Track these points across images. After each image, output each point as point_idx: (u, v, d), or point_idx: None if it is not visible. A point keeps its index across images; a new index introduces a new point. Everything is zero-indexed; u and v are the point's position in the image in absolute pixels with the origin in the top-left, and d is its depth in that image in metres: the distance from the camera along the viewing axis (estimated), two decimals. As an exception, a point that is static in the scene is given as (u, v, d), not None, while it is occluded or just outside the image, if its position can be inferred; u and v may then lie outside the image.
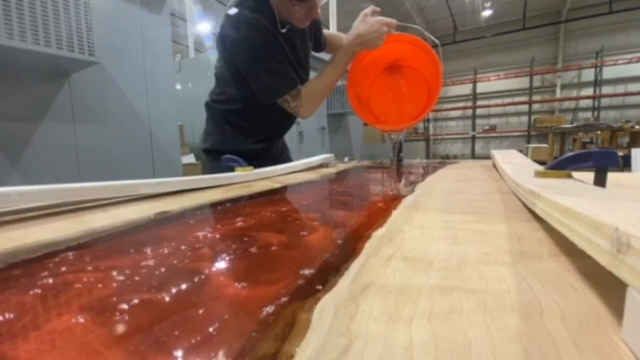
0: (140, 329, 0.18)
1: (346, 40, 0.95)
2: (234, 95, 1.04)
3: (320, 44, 1.17)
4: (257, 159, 0.95)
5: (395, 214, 0.44)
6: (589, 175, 0.51)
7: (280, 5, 0.91)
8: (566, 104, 9.71)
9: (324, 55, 1.24)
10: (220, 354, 0.16)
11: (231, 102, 1.05)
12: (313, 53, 1.18)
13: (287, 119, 1.12)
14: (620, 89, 8.88)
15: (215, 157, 1.10)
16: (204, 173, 1.02)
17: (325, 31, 1.19)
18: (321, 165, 1.20)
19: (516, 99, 10.16)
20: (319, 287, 0.23)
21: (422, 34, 0.93)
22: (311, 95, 1.00)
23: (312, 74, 1.08)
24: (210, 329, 0.18)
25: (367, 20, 0.90)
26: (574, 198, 0.29)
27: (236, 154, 0.94)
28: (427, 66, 0.91)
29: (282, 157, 1.25)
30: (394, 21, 0.90)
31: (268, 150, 1.15)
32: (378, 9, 0.93)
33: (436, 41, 0.93)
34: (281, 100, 0.97)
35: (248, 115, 1.04)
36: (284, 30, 0.94)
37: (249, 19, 0.89)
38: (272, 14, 0.92)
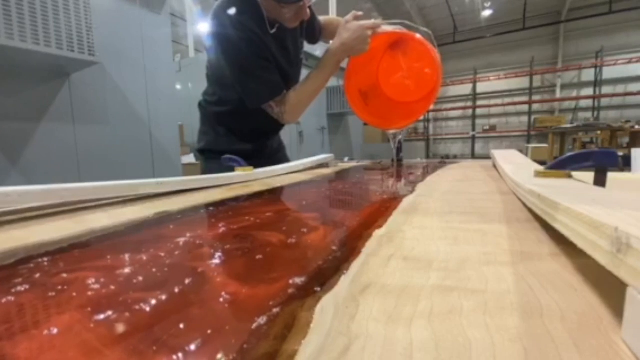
0: (140, 328, 0.18)
1: (330, 48, 0.95)
2: (223, 97, 1.04)
3: (315, 35, 1.15)
4: (253, 159, 0.95)
5: (395, 213, 0.44)
6: (589, 175, 0.51)
7: (268, 6, 0.89)
8: (566, 104, 9.72)
9: (319, 52, 1.23)
10: (220, 353, 0.16)
11: (222, 104, 1.05)
12: (305, 49, 1.17)
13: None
14: (620, 89, 8.88)
15: (209, 157, 1.10)
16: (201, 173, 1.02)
17: (321, 18, 1.16)
18: (321, 166, 1.20)
19: (516, 99, 10.16)
20: (319, 286, 0.23)
21: (410, 28, 0.93)
22: (296, 102, 0.99)
23: (304, 72, 1.07)
24: (210, 328, 0.18)
25: (348, 27, 0.90)
26: (574, 198, 0.29)
27: (231, 153, 0.94)
28: (427, 42, 0.91)
29: (278, 155, 1.24)
30: (377, 22, 0.90)
31: (263, 149, 1.14)
32: (360, 13, 0.92)
33: (429, 32, 0.93)
34: (265, 105, 0.97)
35: (239, 116, 1.03)
36: (273, 31, 0.92)
37: (235, 22, 0.88)
38: (261, 15, 0.91)
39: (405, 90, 0.99)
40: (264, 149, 1.15)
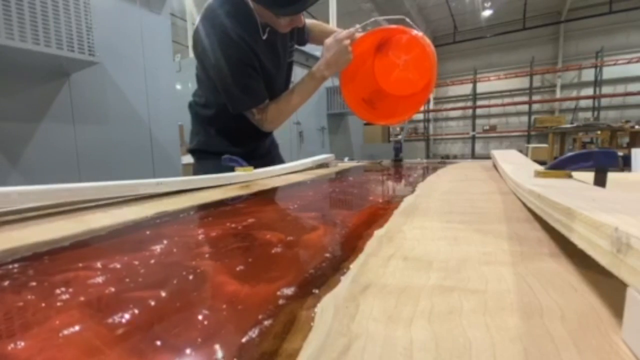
0: (139, 327, 0.18)
1: (316, 66, 0.96)
2: (211, 100, 1.03)
3: (304, 38, 1.15)
4: (246, 159, 0.95)
5: (395, 213, 0.44)
6: (589, 175, 0.51)
7: (261, 11, 0.89)
8: (566, 104, 9.71)
9: (319, 52, 1.23)
10: (219, 352, 0.16)
11: (209, 107, 1.05)
12: (306, 49, 1.18)
13: None
14: (620, 89, 8.88)
15: (202, 157, 1.09)
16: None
17: (307, 21, 1.17)
18: (321, 165, 1.20)
19: (516, 99, 10.15)
20: (319, 286, 0.23)
21: (384, 22, 0.94)
22: (277, 112, 1.00)
23: (299, 71, 1.07)
24: (210, 327, 0.18)
25: (327, 46, 0.92)
26: (574, 198, 0.29)
27: (223, 154, 0.94)
28: (408, 29, 0.91)
29: (271, 154, 1.23)
30: (351, 30, 0.92)
31: (256, 150, 1.14)
32: (339, 30, 0.95)
33: (402, 17, 0.95)
34: (247, 112, 0.97)
35: (227, 119, 1.02)
36: (265, 37, 0.92)
37: (225, 27, 0.87)
38: (253, 19, 0.90)
39: (409, 83, 1.00)
40: (257, 149, 1.15)
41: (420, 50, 0.91)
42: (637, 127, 5.18)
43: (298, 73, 1.15)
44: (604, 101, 9.10)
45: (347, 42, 0.90)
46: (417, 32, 0.88)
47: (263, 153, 1.19)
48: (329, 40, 0.93)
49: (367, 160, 1.64)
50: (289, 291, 0.22)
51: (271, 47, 0.98)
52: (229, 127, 1.05)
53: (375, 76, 1.04)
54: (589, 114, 9.26)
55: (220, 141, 1.06)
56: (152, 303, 0.21)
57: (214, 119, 1.05)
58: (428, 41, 0.89)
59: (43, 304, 0.21)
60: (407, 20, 0.93)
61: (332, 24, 4.02)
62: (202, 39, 0.91)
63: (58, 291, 0.23)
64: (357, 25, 0.94)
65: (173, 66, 2.56)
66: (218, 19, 0.88)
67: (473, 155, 10.59)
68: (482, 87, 10.64)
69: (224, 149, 1.01)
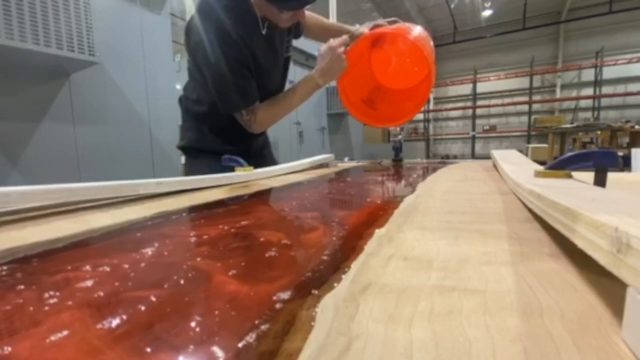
0: (139, 327, 0.18)
1: (311, 75, 0.96)
2: (203, 96, 1.01)
3: (300, 31, 1.14)
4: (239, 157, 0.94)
5: (396, 213, 0.44)
6: (589, 175, 0.51)
7: (262, 6, 0.86)
8: (566, 104, 9.72)
9: (314, 49, 1.23)
10: (219, 351, 0.16)
11: (201, 103, 1.02)
12: (305, 49, 1.17)
13: None
14: (620, 89, 8.88)
15: (193, 156, 1.07)
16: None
17: None
18: (321, 165, 1.20)
19: (516, 99, 10.16)
20: (319, 286, 0.23)
21: (378, 23, 0.95)
22: (267, 115, 0.98)
23: (299, 71, 1.06)
24: (209, 327, 0.18)
25: (321, 54, 0.92)
26: (574, 198, 0.29)
27: (218, 152, 0.93)
28: (402, 29, 0.91)
29: (263, 152, 1.22)
30: (344, 37, 0.93)
31: (249, 149, 1.12)
32: (335, 24, 0.95)
33: (393, 19, 0.95)
34: (236, 112, 0.96)
35: (220, 117, 0.99)
36: (264, 31, 0.90)
37: (222, 24, 0.84)
38: (252, 14, 0.87)
39: (407, 75, 0.99)
40: (250, 148, 1.13)
41: (415, 46, 0.91)
42: (637, 127, 5.19)
43: (298, 73, 1.15)
44: (604, 101, 9.10)
45: (341, 49, 0.89)
46: (413, 34, 0.88)
47: (255, 152, 1.16)
48: (323, 48, 0.92)
49: (367, 160, 1.64)
50: (289, 291, 0.22)
51: (269, 42, 0.96)
52: (223, 125, 1.02)
53: (373, 71, 1.04)
54: (589, 114, 9.26)
55: (214, 139, 1.03)
56: (152, 303, 0.21)
57: (207, 116, 1.02)
58: (424, 37, 0.89)
59: (43, 304, 0.21)
60: (400, 21, 0.93)
61: (332, 24, 4.00)
62: (197, 34, 0.87)
63: (58, 291, 0.23)
64: (357, 25, 0.94)
65: (173, 66, 2.56)
66: (215, 13, 0.85)
67: (473, 155, 10.58)
68: (482, 87, 10.64)
69: (217, 147, 0.99)
